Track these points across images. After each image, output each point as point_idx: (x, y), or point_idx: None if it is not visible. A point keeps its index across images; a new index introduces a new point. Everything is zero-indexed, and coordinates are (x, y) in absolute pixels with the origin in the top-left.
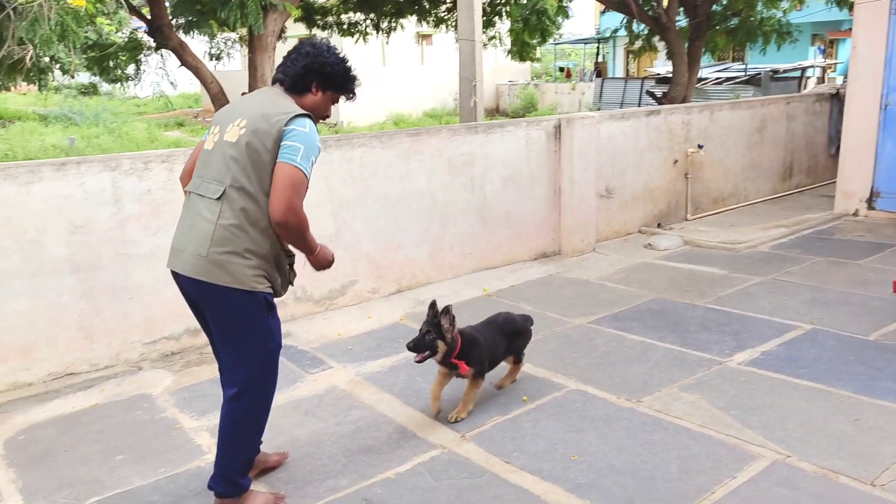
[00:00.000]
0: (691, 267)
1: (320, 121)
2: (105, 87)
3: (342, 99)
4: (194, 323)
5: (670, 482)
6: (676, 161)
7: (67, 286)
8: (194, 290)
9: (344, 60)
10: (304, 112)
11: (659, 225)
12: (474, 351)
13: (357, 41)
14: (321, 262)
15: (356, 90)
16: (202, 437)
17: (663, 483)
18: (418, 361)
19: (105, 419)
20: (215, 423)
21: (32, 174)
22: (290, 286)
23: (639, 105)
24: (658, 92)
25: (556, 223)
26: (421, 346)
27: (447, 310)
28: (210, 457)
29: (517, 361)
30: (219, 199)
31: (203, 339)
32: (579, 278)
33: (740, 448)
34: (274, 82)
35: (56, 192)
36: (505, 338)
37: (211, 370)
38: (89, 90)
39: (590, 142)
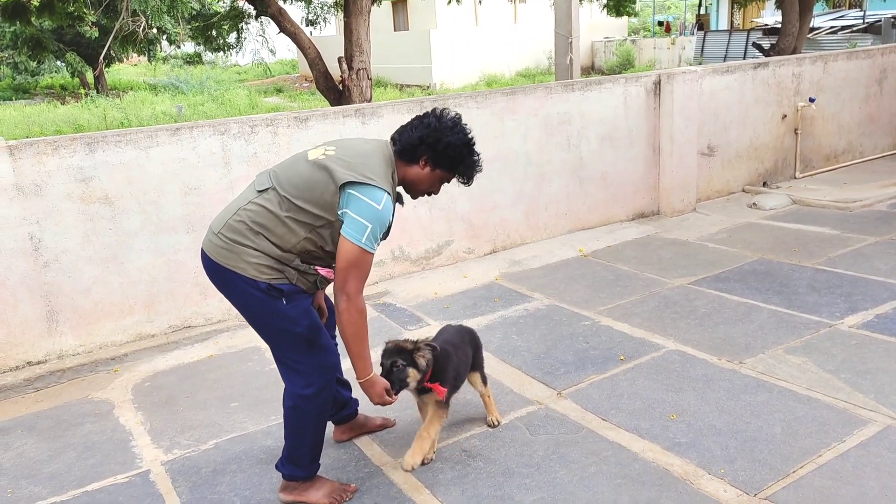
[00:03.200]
0: (799, 227)
1: (422, 196)
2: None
3: (455, 180)
4: None
5: (773, 444)
6: (785, 116)
7: (184, 244)
8: (208, 269)
9: (467, 142)
10: (384, 188)
11: (764, 184)
12: (447, 370)
13: (450, 2)
14: (371, 395)
15: (473, 175)
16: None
17: (766, 444)
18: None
19: (221, 369)
20: None
21: (151, 139)
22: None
23: (744, 59)
24: (766, 44)
25: (655, 182)
26: (392, 380)
27: (431, 346)
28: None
29: (483, 382)
30: (260, 192)
31: None
32: (678, 238)
33: (850, 412)
34: (390, 139)
35: (172, 155)
36: (470, 349)
37: None
38: (194, 59)
39: (691, 97)
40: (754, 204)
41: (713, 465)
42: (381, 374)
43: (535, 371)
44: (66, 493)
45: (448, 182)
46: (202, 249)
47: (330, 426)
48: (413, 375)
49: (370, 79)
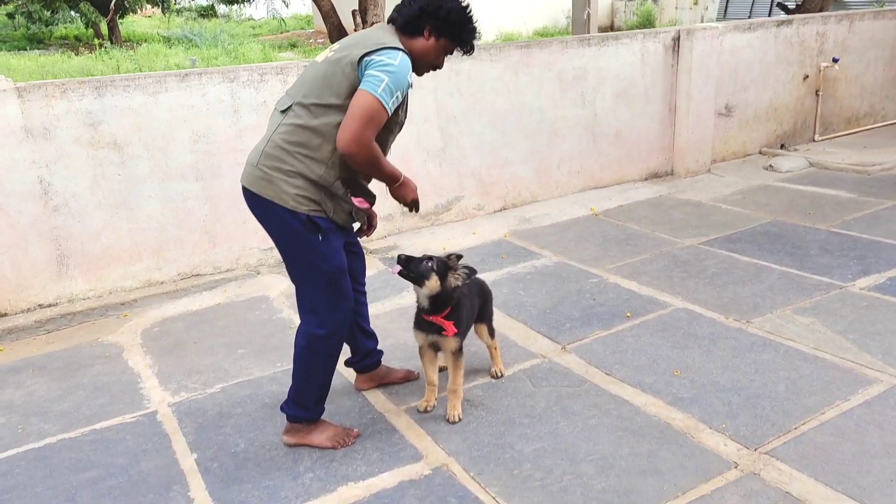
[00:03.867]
0: (815, 189)
1: (430, 70)
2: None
3: (458, 53)
4: None
5: (777, 401)
6: (807, 76)
7: (192, 192)
8: (248, 201)
9: (465, 7)
10: (399, 47)
11: (782, 146)
12: (461, 313)
13: None
14: (402, 194)
15: (474, 43)
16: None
17: (769, 401)
18: (397, 272)
19: (228, 316)
20: None
21: (159, 84)
22: (356, 223)
23: None
24: (791, 4)
25: (670, 142)
26: (411, 265)
27: (472, 270)
28: None
29: (490, 334)
30: (284, 111)
31: None
32: (691, 199)
33: (856, 371)
34: (389, 21)
35: (181, 101)
36: (479, 300)
37: None
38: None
39: (711, 55)
40: (770, 166)
41: (715, 420)
42: (413, 257)
43: (540, 326)
44: (75, 431)
45: (450, 53)
46: (242, 185)
47: (352, 374)
48: (432, 285)
49: None
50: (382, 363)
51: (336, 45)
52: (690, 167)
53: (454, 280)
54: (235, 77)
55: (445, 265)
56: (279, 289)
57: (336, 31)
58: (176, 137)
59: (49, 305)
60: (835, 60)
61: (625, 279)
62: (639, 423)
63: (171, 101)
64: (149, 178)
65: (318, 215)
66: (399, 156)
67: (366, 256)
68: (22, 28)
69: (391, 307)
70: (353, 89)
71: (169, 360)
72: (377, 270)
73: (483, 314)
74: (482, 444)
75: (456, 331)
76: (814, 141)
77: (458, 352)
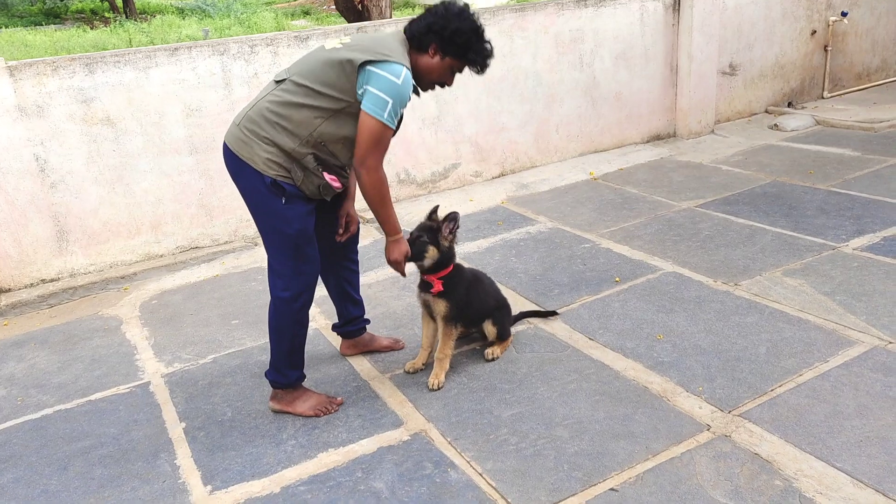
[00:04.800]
0: (819, 148)
1: (435, 87)
2: None
3: (468, 70)
4: None
5: (756, 363)
6: (815, 32)
7: (187, 166)
8: (225, 157)
9: (475, 28)
10: (402, 62)
11: (789, 104)
12: (460, 283)
13: None
14: (392, 251)
15: (485, 64)
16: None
17: (748, 364)
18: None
19: (224, 288)
20: (319, 294)
21: (149, 59)
22: (323, 198)
23: None
24: None
25: (672, 103)
26: (413, 250)
27: (453, 216)
28: (313, 324)
29: (500, 336)
30: (278, 82)
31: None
32: (692, 161)
33: (838, 333)
34: (405, 30)
35: (171, 76)
36: (490, 300)
37: None
38: None
39: (713, 13)
40: (776, 125)
41: (692, 384)
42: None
43: (528, 292)
44: (71, 402)
45: (460, 71)
46: (224, 142)
47: (340, 341)
48: (432, 254)
49: None
50: (368, 331)
51: (347, 39)
52: (693, 128)
53: (445, 241)
54: (225, 50)
55: (432, 229)
56: None
57: (343, 4)
58: (168, 112)
59: (51, 280)
60: (843, 14)
61: (617, 244)
62: (617, 388)
63: (162, 76)
64: (143, 152)
65: (286, 181)
66: None
67: (361, 225)
68: (38, 3)
69: (384, 276)
70: (348, 88)
71: (165, 331)
72: (373, 239)
73: (496, 317)
74: (462, 409)
75: (441, 289)
76: (822, 98)
77: (449, 320)
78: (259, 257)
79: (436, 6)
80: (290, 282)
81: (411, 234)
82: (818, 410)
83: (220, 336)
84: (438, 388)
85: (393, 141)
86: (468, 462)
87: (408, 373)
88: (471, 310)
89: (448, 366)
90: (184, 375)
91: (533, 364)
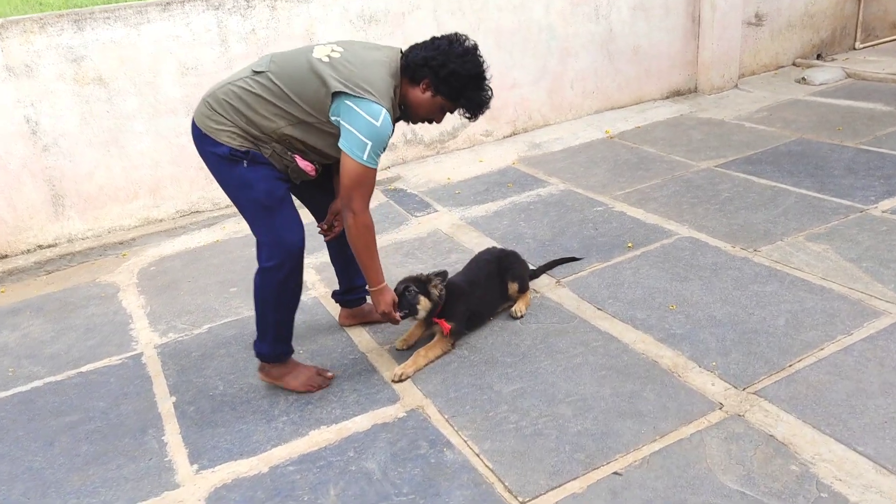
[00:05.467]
0: (849, 103)
1: (421, 122)
2: None
3: (460, 114)
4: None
5: (774, 336)
6: None
7: (185, 127)
8: (192, 132)
9: (476, 74)
10: (381, 103)
11: (819, 56)
12: (458, 304)
13: None
14: (378, 304)
15: (479, 112)
16: (308, 273)
17: (766, 337)
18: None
19: (224, 254)
20: (321, 261)
21: (140, 15)
22: (292, 180)
23: None
24: None
25: (693, 57)
26: (403, 305)
27: (443, 273)
28: (313, 292)
29: (521, 290)
30: (256, 73)
31: None
32: (713, 118)
33: (864, 303)
34: (402, 53)
35: (165, 33)
36: (499, 276)
37: None
38: None
39: None
40: (803, 79)
41: (705, 358)
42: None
43: (536, 259)
44: (62, 374)
45: (451, 113)
46: (192, 118)
47: (338, 309)
48: (424, 304)
49: None
50: (368, 301)
51: (337, 54)
52: (715, 83)
53: (435, 290)
54: (220, 4)
55: (423, 284)
56: None
57: None
58: (162, 70)
59: (49, 246)
60: None
61: (631, 206)
62: (625, 362)
63: (155, 33)
64: (138, 113)
65: (240, 149)
66: None
67: (378, 192)
68: None
69: (387, 241)
70: (320, 108)
71: (161, 300)
72: (377, 203)
73: (512, 274)
74: (461, 384)
75: (450, 327)
76: (854, 49)
77: (454, 335)
78: None
79: (440, 39)
80: (272, 250)
81: (396, 288)
82: (839, 388)
83: (217, 304)
84: (400, 381)
85: None
86: (465, 441)
87: (399, 350)
88: (477, 319)
89: (422, 366)
90: (177, 346)
91: (538, 336)
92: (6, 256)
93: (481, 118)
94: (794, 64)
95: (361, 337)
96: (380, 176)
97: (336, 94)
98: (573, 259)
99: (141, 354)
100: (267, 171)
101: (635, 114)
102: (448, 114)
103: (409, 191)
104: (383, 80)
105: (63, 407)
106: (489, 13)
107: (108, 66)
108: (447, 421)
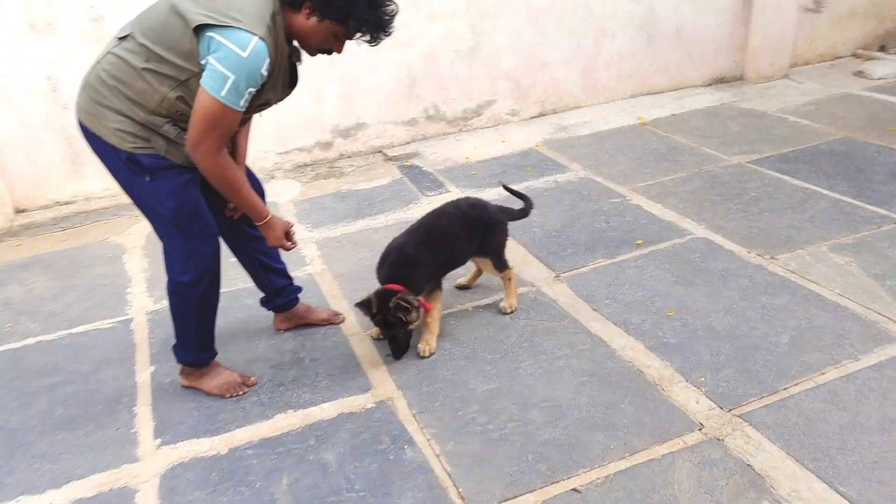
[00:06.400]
0: None
1: (319, 53)
2: None
3: (358, 39)
4: (325, 136)
5: (774, 354)
6: None
7: None
8: (81, 131)
9: None
10: (252, 30)
11: (882, 48)
12: (415, 275)
13: None
14: (269, 238)
15: (378, 35)
16: (309, 248)
17: (765, 354)
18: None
19: None
20: (325, 236)
21: None
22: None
23: None
24: None
25: (742, 42)
26: (403, 345)
27: (400, 305)
28: (310, 268)
29: (500, 268)
30: (120, 39)
31: (333, 152)
32: (755, 109)
33: (878, 326)
34: None
35: None
36: (468, 230)
37: (336, 184)
38: None
39: None
40: (861, 72)
41: (694, 372)
42: (393, 346)
43: (539, 250)
44: (54, 333)
45: (349, 38)
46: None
47: (271, 316)
48: (414, 319)
49: None
50: (302, 301)
51: None
52: (763, 71)
53: (413, 317)
54: None
55: (402, 322)
56: (290, 194)
57: None
58: None
59: (66, 203)
60: None
61: (649, 200)
62: (608, 369)
63: None
64: None
65: (145, 152)
66: (424, 55)
67: (383, 162)
68: None
69: (392, 220)
70: (188, 53)
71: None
72: (391, 179)
73: (486, 247)
74: (436, 378)
75: (431, 307)
76: None
77: (430, 290)
78: (274, 191)
79: None
80: (186, 264)
81: (395, 323)
82: (834, 419)
83: None
84: (430, 355)
85: (422, 74)
86: (428, 440)
87: (376, 339)
88: (442, 268)
89: (438, 330)
90: (167, 314)
91: (524, 333)
92: (25, 210)
93: (508, 98)
94: (853, 55)
95: (348, 320)
96: (396, 151)
97: (199, 30)
98: (522, 209)
99: (131, 320)
100: (171, 180)
101: (672, 100)
102: (347, 40)
103: (424, 168)
104: (255, 4)
105: (48, 368)
106: None
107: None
108: (414, 416)
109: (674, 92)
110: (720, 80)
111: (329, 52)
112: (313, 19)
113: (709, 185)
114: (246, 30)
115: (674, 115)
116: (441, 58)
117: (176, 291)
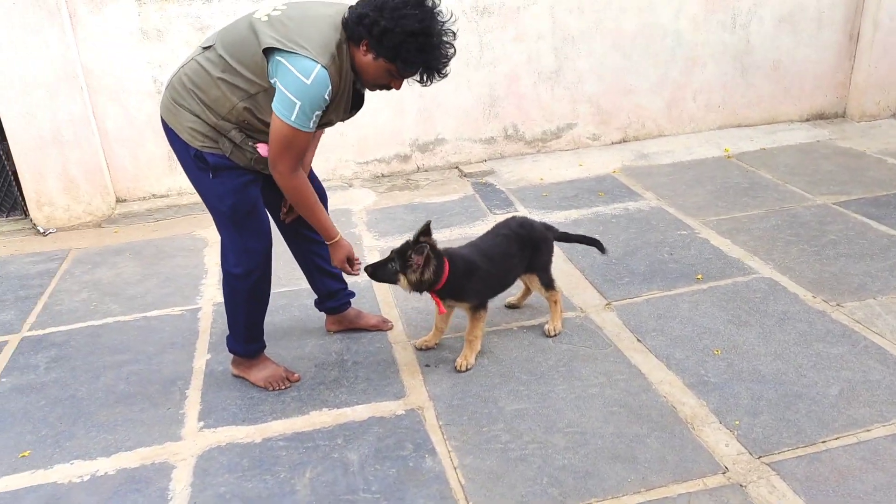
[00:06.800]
0: None
1: (376, 89)
2: None
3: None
4: (404, 150)
5: (819, 405)
6: None
7: None
8: (162, 124)
9: (415, 31)
10: (316, 57)
11: None
12: (468, 282)
13: None
14: (333, 257)
15: (431, 77)
16: (373, 255)
17: (808, 404)
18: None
19: None
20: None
21: None
22: (260, 171)
23: None
24: None
25: (846, 78)
26: (378, 274)
27: (420, 248)
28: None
29: (546, 286)
30: (204, 49)
31: (411, 165)
32: (853, 149)
33: None
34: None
35: None
36: (520, 248)
37: (410, 196)
38: None
39: None
40: None
41: (730, 414)
42: (377, 262)
43: (595, 276)
44: (131, 315)
45: (404, 77)
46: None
47: (324, 317)
48: (403, 283)
49: None
50: (354, 306)
51: (278, 12)
52: (868, 110)
53: (413, 273)
54: None
55: (404, 254)
56: (364, 203)
57: None
58: None
59: (161, 196)
60: None
61: (719, 235)
62: (641, 402)
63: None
64: None
65: (212, 152)
66: (506, 76)
67: (458, 178)
68: None
69: (457, 235)
70: (259, 72)
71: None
72: (463, 195)
73: (533, 264)
74: (468, 393)
75: (444, 311)
76: None
77: (476, 308)
78: (349, 199)
79: None
80: (239, 257)
81: (388, 258)
82: (868, 479)
83: (282, 273)
84: (467, 370)
85: (503, 94)
86: (449, 452)
87: (418, 348)
88: (494, 286)
89: (479, 347)
90: None
91: (563, 358)
92: (125, 201)
93: (590, 122)
94: None
95: (395, 328)
96: (472, 168)
97: (268, 52)
98: (597, 246)
99: (199, 309)
100: (233, 180)
101: (764, 134)
102: (405, 79)
103: (497, 186)
104: (323, 34)
105: (120, 346)
106: (611, 13)
107: None
108: (440, 427)
109: (767, 126)
110: (819, 116)
111: (387, 89)
112: (370, 56)
113: (786, 223)
114: (310, 58)
115: (763, 149)
116: (523, 79)
117: (228, 282)
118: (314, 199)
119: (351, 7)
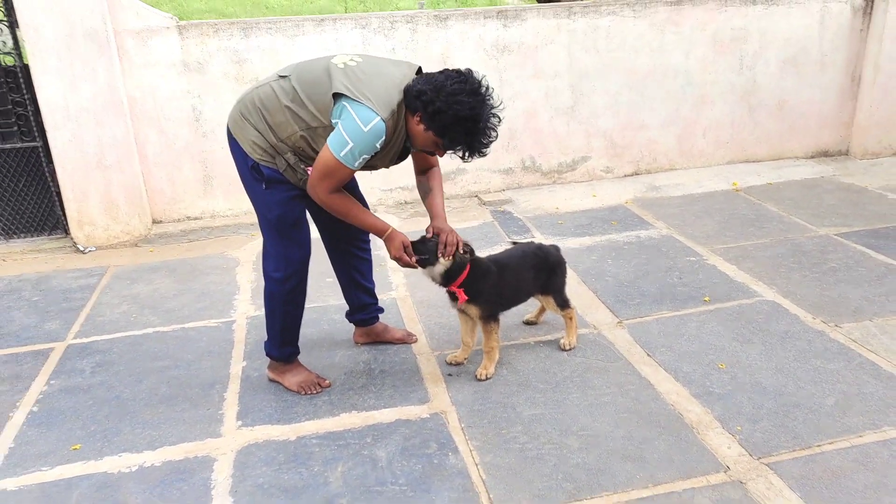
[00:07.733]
0: None
1: (427, 153)
2: None
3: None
4: None
5: (815, 414)
6: None
7: None
8: (228, 133)
9: (464, 117)
10: (378, 111)
11: None
12: (484, 284)
13: None
14: (389, 249)
15: (472, 154)
16: (397, 275)
17: (805, 413)
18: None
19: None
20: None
21: (297, 28)
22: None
23: None
24: None
25: (849, 118)
26: (420, 246)
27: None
28: (395, 293)
29: (561, 305)
30: (280, 77)
31: None
32: (855, 184)
33: None
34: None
35: (317, 45)
36: (535, 270)
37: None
38: None
39: None
40: None
41: (732, 421)
42: (419, 239)
43: (608, 297)
44: (169, 326)
45: (446, 150)
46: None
47: (352, 330)
48: (441, 262)
49: None
50: (382, 321)
51: (354, 63)
52: (870, 148)
53: (443, 260)
54: (367, 24)
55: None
56: None
57: None
58: None
59: (195, 218)
60: None
61: (726, 262)
62: (650, 409)
63: (309, 44)
64: None
65: (267, 165)
66: (525, 111)
67: (478, 207)
68: None
69: None
70: (324, 111)
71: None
72: (482, 221)
73: (549, 286)
74: (488, 399)
75: (466, 298)
76: None
77: (486, 318)
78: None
79: (442, 74)
80: (279, 263)
81: (425, 238)
82: (860, 478)
83: (312, 290)
84: (487, 379)
85: (521, 128)
86: (470, 451)
87: (449, 363)
88: (506, 298)
89: (497, 356)
90: (263, 320)
91: (577, 369)
92: (161, 222)
93: (603, 155)
94: None
95: (420, 339)
96: (491, 197)
97: (337, 96)
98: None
99: (233, 322)
100: (283, 192)
101: (770, 170)
102: (448, 151)
103: (515, 214)
104: (388, 92)
105: (160, 353)
106: (624, 53)
107: (264, 69)
108: (462, 429)
109: (773, 162)
110: (823, 154)
111: (431, 154)
112: (421, 126)
113: (790, 252)
114: (373, 109)
115: (770, 183)
116: (541, 114)
117: (268, 285)
118: (356, 208)
119: (414, 78)
